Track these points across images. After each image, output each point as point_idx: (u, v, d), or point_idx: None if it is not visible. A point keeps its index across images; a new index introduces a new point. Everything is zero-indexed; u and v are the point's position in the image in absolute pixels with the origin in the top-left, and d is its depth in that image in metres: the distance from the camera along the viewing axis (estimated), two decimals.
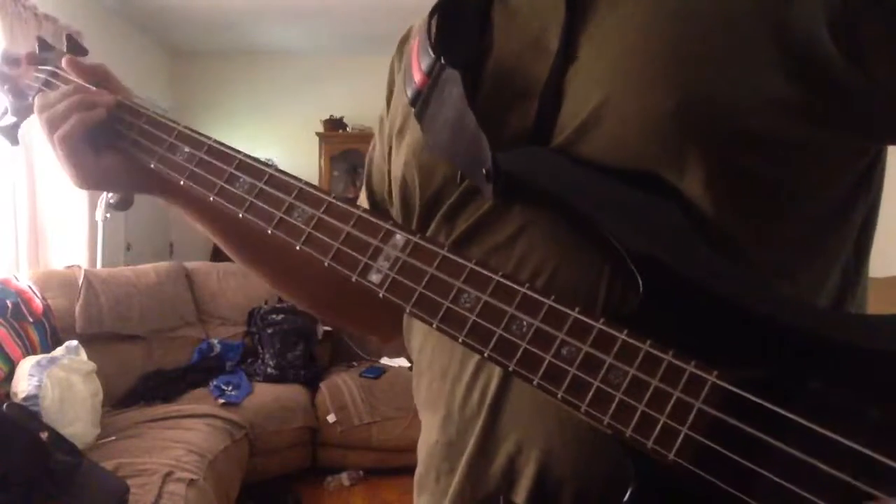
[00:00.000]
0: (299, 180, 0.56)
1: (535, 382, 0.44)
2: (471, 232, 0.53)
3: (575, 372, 0.43)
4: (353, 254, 0.51)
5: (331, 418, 3.04)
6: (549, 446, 0.49)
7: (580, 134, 0.48)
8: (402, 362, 3.48)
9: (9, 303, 2.45)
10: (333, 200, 0.53)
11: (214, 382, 3.01)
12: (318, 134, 5.00)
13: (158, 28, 4.67)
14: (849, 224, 0.50)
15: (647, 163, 0.46)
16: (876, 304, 0.52)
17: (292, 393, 3.10)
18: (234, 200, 0.57)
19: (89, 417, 2.34)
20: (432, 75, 0.55)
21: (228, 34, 4.78)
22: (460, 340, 0.46)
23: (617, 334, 0.43)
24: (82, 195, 3.32)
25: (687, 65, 0.45)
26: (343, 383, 3.21)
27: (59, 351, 2.42)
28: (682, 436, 0.40)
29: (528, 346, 0.44)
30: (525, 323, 0.45)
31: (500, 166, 0.49)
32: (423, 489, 0.60)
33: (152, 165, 0.63)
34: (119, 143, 0.66)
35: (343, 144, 4.99)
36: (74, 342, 2.51)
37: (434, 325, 0.47)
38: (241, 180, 0.58)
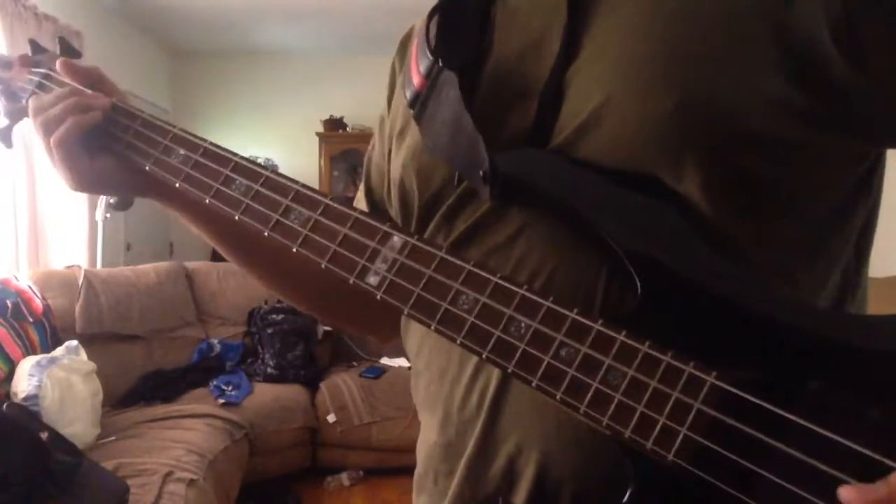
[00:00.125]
0: (296, 182, 0.56)
1: (533, 384, 0.44)
2: (469, 233, 0.53)
3: (574, 373, 0.43)
4: (351, 256, 0.51)
5: (331, 418, 3.04)
6: (548, 447, 0.49)
7: (580, 134, 0.48)
8: (402, 362, 3.48)
9: (9, 303, 2.45)
10: (330, 202, 0.53)
11: (214, 382, 3.01)
12: (318, 134, 5.00)
13: (158, 28, 4.67)
14: (849, 225, 0.50)
15: (647, 164, 0.46)
16: (876, 304, 0.52)
17: (292, 393, 3.10)
18: (231, 203, 0.57)
19: (89, 417, 2.34)
20: (430, 77, 0.54)
21: (228, 34, 4.78)
22: (458, 342, 0.46)
23: (615, 335, 0.42)
24: (82, 195, 3.32)
25: (686, 65, 0.45)
26: (343, 383, 3.21)
27: (59, 351, 2.42)
28: (681, 436, 0.40)
29: (526, 348, 0.44)
30: (523, 324, 0.45)
31: (497, 168, 0.49)
32: (421, 490, 0.60)
33: (147, 168, 0.63)
34: (114, 146, 0.65)
35: (343, 144, 4.99)
36: (74, 342, 2.51)
37: (432, 327, 0.47)
38: (237, 183, 0.58)
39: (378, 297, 0.49)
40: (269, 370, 3.22)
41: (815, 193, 0.48)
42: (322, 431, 3.06)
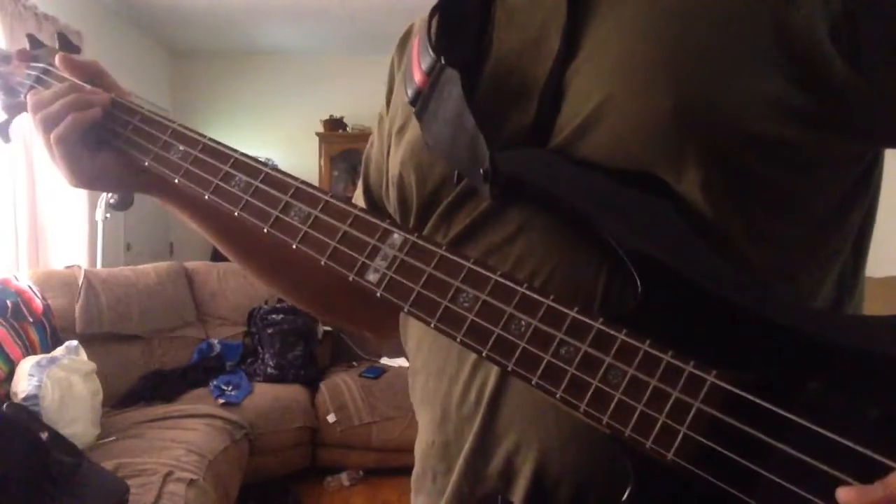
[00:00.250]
0: (296, 179, 0.55)
1: (533, 382, 0.44)
2: (468, 231, 0.53)
3: (574, 371, 0.43)
4: (351, 253, 0.51)
5: (331, 418, 3.04)
6: (546, 446, 0.49)
7: (579, 134, 0.48)
8: (401, 362, 3.48)
9: (9, 303, 2.45)
10: (330, 199, 0.53)
11: (214, 382, 3.01)
12: (318, 134, 5.00)
13: (158, 28, 4.67)
14: (848, 224, 0.50)
15: (646, 163, 0.46)
16: (875, 305, 0.52)
17: (292, 393, 3.10)
18: (230, 199, 0.57)
19: (89, 417, 2.34)
20: (432, 75, 0.54)
21: (228, 34, 4.78)
22: (458, 340, 0.46)
23: (616, 334, 0.42)
24: (82, 195, 3.32)
25: (686, 64, 0.45)
26: (343, 383, 3.21)
27: (59, 351, 2.42)
28: (680, 435, 0.40)
29: (526, 346, 0.44)
30: (524, 322, 0.45)
31: (497, 166, 0.49)
32: (420, 489, 0.60)
33: (147, 164, 0.63)
34: (114, 142, 0.65)
35: (343, 144, 4.99)
36: (74, 342, 2.51)
37: (432, 325, 0.47)
38: (237, 178, 0.57)
39: (378, 294, 0.49)
40: (269, 370, 3.22)
41: (813, 193, 0.48)
42: (322, 431, 3.06)
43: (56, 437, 1.93)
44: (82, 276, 2.94)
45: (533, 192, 0.49)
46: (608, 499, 0.44)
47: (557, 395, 0.43)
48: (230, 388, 2.97)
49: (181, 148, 0.61)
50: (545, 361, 0.43)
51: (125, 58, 4.37)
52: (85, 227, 3.44)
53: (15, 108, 0.77)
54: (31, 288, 2.66)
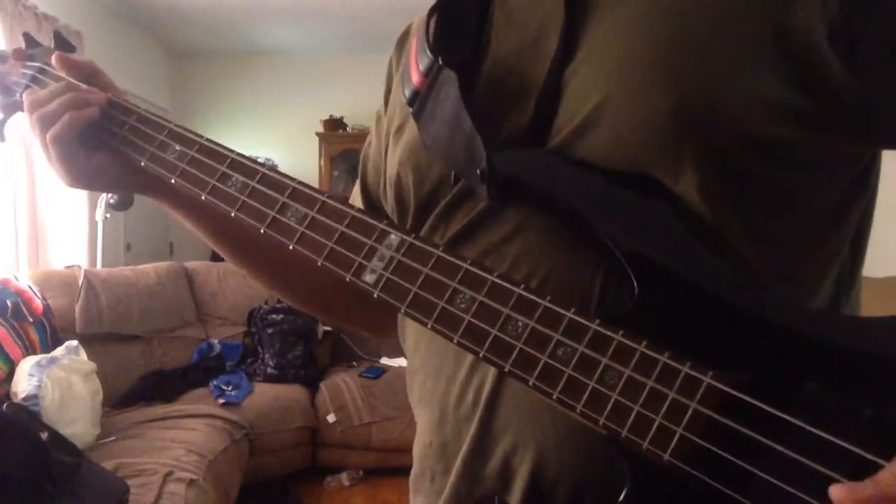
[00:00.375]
0: (293, 179, 0.55)
1: (530, 383, 0.44)
2: (465, 232, 0.53)
3: (570, 372, 0.43)
4: (348, 253, 0.51)
5: (331, 418, 3.04)
6: (543, 446, 0.49)
7: (577, 134, 0.48)
8: (401, 362, 3.48)
9: (9, 303, 2.45)
10: (327, 200, 0.53)
11: (214, 382, 3.01)
12: (318, 134, 5.00)
13: (158, 28, 4.67)
14: (846, 225, 0.50)
15: (644, 164, 0.46)
16: (875, 305, 0.52)
17: (292, 393, 3.10)
18: (227, 199, 0.57)
19: (89, 417, 2.34)
20: (430, 75, 0.54)
21: (228, 34, 4.78)
22: (455, 341, 0.46)
23: (612, 335, 0.42)
24: (82, 195, 3.32)
25: (684, 65, 0.45)
26: (343, 383, 3.21)
27: (59, 351, 2.42)
28: (677, 436, 0.40)
29: (523, 347, 0.44)
30: (520, 323, 0.44)
31: (494, 167, 0.49)
32: (418, 489, 0.60)
33: (143, 163, 0.62)
34: (110, 142, 0.65)
35: (343, 144, 4.99)
36: (74, 342, 2.51)
37: (429, 326, 0.47)
38: (234, 179, 0.57)
39: (375, 295, 0.49)
40: (269, 370, 3.22)
41: (811, 194, 0.48)
42: (322, 431, 3.06)
43: (56, 437, 1.93)
44: (82, 276, 2.94)
45: (530, 193, 0.49)
46: (605, 499, 0.44)
47: (554, 396, 0.43)
48: (230, 388, 2.97)
49: (178, 148, 0.61)
50: (542, 362, 0.43)
51: (125, 58, 4.38)
52: (85, 227, 3.45)
53: (10, 108, 0.76)
54: (31, 288, 2.66)
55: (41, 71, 0.72)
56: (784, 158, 0.46)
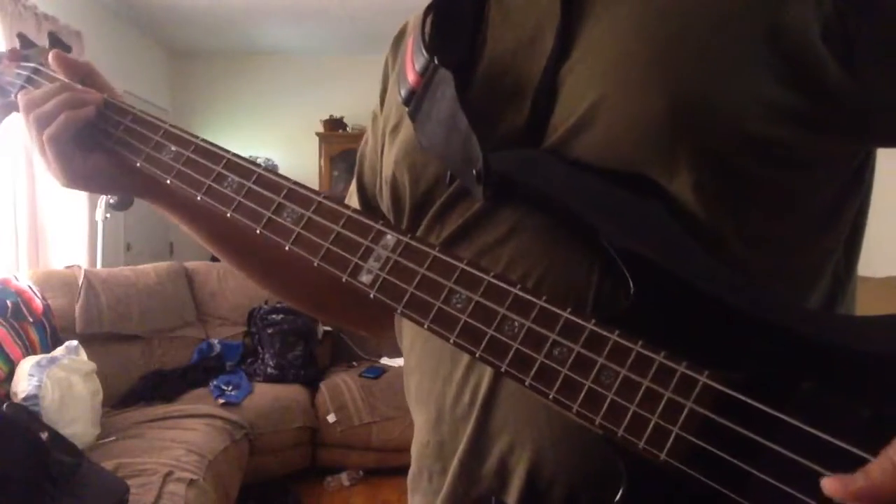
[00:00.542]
0: (288, 180, 0.55)
1: (526, 383, 0.44)
2: (461, 232, 0.53)
3: (567, 372, 0.43)
4: (344, 254, 0.51)
5: (331, 418, 3.04)
6: (539, 446, 0.49)
7: (573, 134, 0.48)
8: (401, 362, 3.43)
9: (9, 303, 2.46)
10: (323, 200, 0.53)
11: (214, 382, 3.01)
12: (318, 134, 5.00)
13: (158, 28, 4.67)
14: (841, 223, 0.50)
15: (639, 163, 0.46)
16: (874, 304, 0.51)
17: (292, 393, 3.10)
18: (223, 200, 0.57)
19: (89, 417, 2.34)
20: (426, 75, 0.54)
21: (228, 34, 4.78)
22: (452, 341, 0.46)
23: (608, 335, 0.42)
24: (82, 195, 3.33)
25: (680, 65, 0.45)
26: (343, 383, 3.21)
27: (59, 351, 2.42)
28: (673, 436, 0.40)
29: (519, 347, 0.44)
30: (517, 323, 0.44)
31: (490, 167, 0.49)
32: (416, 489, 0.60)
33: (139, 164, 0.62)
34: (105, 142, 0.64)
35: (343, 144, 5.00)
36: (74, 342, 2.52)
37: (426, 326, 0.47)
38: (230, 179, 0.57)
39: (371, 295, 0.49)
40: (269, 370, 3.22)
41: (807, 193, 0.48)
42: (322, 431, 3.06)
43: (56, 437, 1.93)
44: (82, 276, 2.95)
45: (525, 193, 0.49)
46: (601, 499, 0.44)
47: (550, 396, 0.43)
48: (230, 388, 2.97)
49: (173, 148, 0.61)
50: (538, 362, 0.43)
51: (125, 58, 4.38)
52: (85, 227, 3.45)
53: (5, 109, 0.76)
54: (31, 288, 2.66)
55: (36, 71, 0.72)
56: (782, 158, 0.46)
